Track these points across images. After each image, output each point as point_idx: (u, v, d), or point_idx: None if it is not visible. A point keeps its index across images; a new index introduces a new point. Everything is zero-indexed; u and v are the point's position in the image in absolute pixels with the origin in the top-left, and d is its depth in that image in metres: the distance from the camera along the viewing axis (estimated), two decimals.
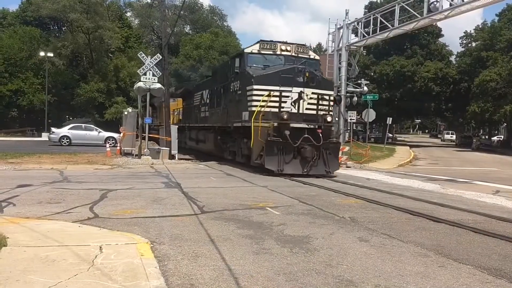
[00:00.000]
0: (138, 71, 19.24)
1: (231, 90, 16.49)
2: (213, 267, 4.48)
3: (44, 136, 37.09)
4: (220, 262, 4.67)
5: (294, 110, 14.06)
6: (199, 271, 4.35)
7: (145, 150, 18.61)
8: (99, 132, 30.31)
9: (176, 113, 28.30)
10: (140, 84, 18.64)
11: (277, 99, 13.99)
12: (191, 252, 4.99)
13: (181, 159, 20.02)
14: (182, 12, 53.43)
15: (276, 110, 13.98)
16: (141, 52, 22.18)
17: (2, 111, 47.10)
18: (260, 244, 5.43)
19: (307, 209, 8.05)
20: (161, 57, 19.58)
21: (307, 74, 14.08)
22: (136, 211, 7.37)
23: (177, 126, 21.94)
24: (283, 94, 14.00)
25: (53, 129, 31.01)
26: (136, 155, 18.72)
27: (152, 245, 5.18)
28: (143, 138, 19.11)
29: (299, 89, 14.09)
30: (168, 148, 19.84)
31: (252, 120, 13.64)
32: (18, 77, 47.28)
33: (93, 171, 13.79)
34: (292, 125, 13.83)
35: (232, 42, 54.31)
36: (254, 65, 15.34)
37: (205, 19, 65.78)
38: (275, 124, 13.75)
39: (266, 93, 13.93)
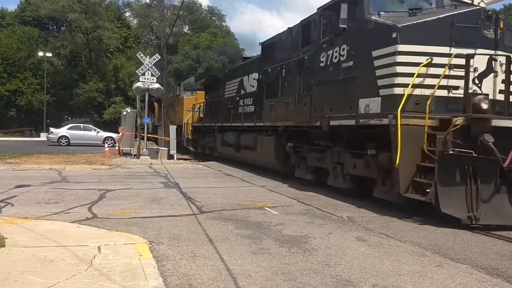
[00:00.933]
0: (137, 71, 19.25)
1: (323, 63, 9.83)
2: (211, 267, 4.49)
3: (43, 136, 37.20)
4: (218, 262, 4.68)
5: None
6: (198, 271, 4.36)
7: (144, 150, 18.61)
8: (98, 132, 30.35)
9: (196, 110, 22.66)
10: (138, 84, 18.65)
11: (449, 71, 7.34)
12: (190, 252, 5.00)
13: (180, 159, 20.03)
14: (181, 12, 53.39)
15: (445, 93, 7.41)
16: (139, 52, 22.23)
17: (0, 111, 47.15)
18: (258, 244, 5.44)
19: (305, 209, 8.07)
20: (160, 57, 19.59)
21: (501, 24, 7.62)
22: (135, 211, 7.38)
23: (175, 127, 21.86)
24: (459, 62, 7.34)
25: (51, 129, 31.10)
26: (134, 155, 18.73)
27: (150, 245, 5.19)
28: (142, 138, 19.12)
29: (487, 52, 7.50)
30: (167, 148, 19.85)
31: (398, 114, 7.01)
32: (16, 77, 47.36)
33: (91, 171, 13.79)
34: (496, 123, 7.05)
35: (231, 42, 54.36)
36: (384, 11, 8.54)
37: (204, 19, 65.87)
38: (461, 121, 6.92)
39: (425, 59, 7.34)
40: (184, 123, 23.69)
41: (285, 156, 12.20)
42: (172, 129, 20.87)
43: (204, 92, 21.80)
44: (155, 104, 32.63)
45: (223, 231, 6.10)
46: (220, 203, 8.41)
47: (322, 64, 9.96)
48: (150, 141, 23.45)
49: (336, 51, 9.42)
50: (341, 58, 9.23)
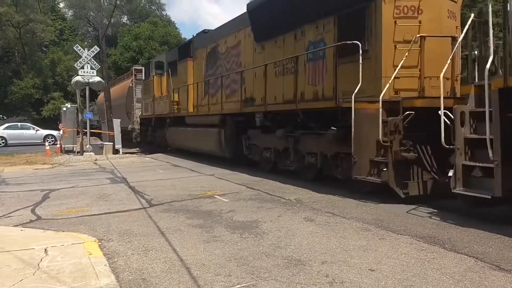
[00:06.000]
0: (75, 65, 18.60)
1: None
2: (164, 260, 4.49)
3: None
4: (171, 253, 4.70)
5: None
6: (151, 264, 4.36)
7: (87, 146, 18.09)
8: (37, 130, 29.20)
9: None
10: (78, 78, 18.04)
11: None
12: (141, 246, 4.98)
13: (126, 153, 19.63)
14: (118, 2, 51.75)
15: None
16: (77, 44, 21.40)
17: None
18: (210, 233, 5.50)
19: (254, 194, 8.20)
20: (98, 49, 18.97)
21: None
22: (82, 209, 7.20)
23: (119, 120, 21.29)
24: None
25: None
26: (78, 152, 18.17)
27: (100, 243, 5.12)
28: (85, 134, 18.56)
29: None
30: (112, 143, 19.40)
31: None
32: None
33: (33, 172, 13.25)
34: None
35: (172, 32, 53.29)
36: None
37: (143, 9, 64.10)
38: None
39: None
40: None
41: None
42: (116, 122, 20.37)
43: None
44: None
45: (174, 222, 6.10)
46: (170, 194, 8.37)
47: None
48: (94, 137, 22.80)
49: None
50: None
